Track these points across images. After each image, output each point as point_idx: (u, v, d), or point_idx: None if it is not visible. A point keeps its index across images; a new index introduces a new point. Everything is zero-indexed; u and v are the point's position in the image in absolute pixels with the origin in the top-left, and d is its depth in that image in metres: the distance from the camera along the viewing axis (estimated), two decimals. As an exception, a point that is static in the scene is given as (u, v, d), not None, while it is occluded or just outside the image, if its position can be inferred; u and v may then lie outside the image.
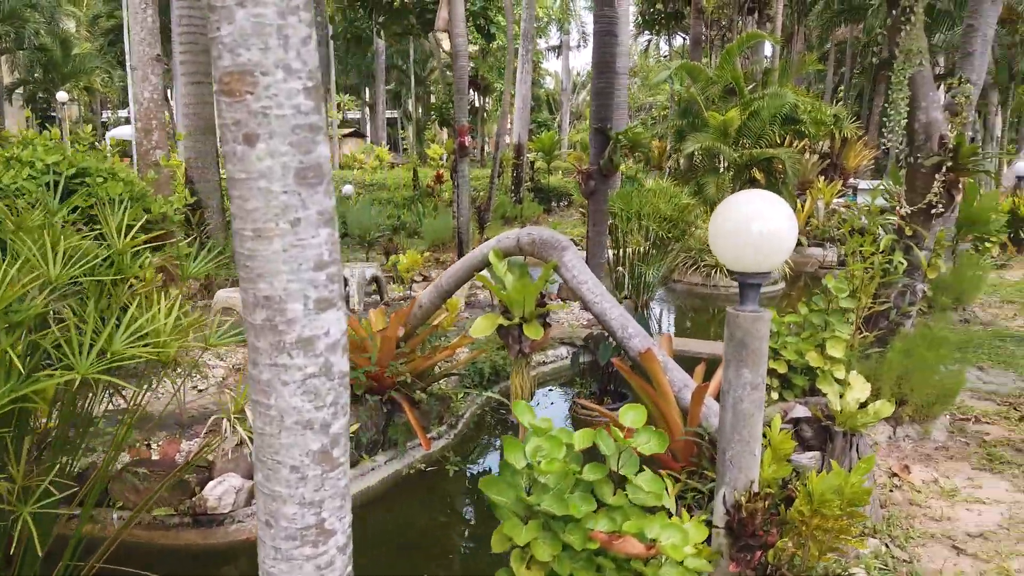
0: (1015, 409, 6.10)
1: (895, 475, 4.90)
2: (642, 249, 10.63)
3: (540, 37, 45.69)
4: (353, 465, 5.01)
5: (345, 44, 22.37)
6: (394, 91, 41.98)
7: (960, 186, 5.44)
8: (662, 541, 2.32)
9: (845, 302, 4.71)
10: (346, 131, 36.12)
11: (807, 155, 16.97)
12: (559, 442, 2.45)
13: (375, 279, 9.56)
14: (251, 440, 4.51)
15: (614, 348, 6.52)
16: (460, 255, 13.15)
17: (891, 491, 4.70)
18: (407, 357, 5.28)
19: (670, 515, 3.35)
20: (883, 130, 5.81)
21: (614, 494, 2.48)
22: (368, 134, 39.20)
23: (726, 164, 12.14)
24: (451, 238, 14.58)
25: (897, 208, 5.77)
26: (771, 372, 4.64)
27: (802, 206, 15.91)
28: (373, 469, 5.14)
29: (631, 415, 2.75)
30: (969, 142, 5.54)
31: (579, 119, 53.04)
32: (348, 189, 18.02)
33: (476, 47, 33.97)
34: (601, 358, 6.37)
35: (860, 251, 5.40)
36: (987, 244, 12.35)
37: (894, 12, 5.52)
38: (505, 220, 20.71)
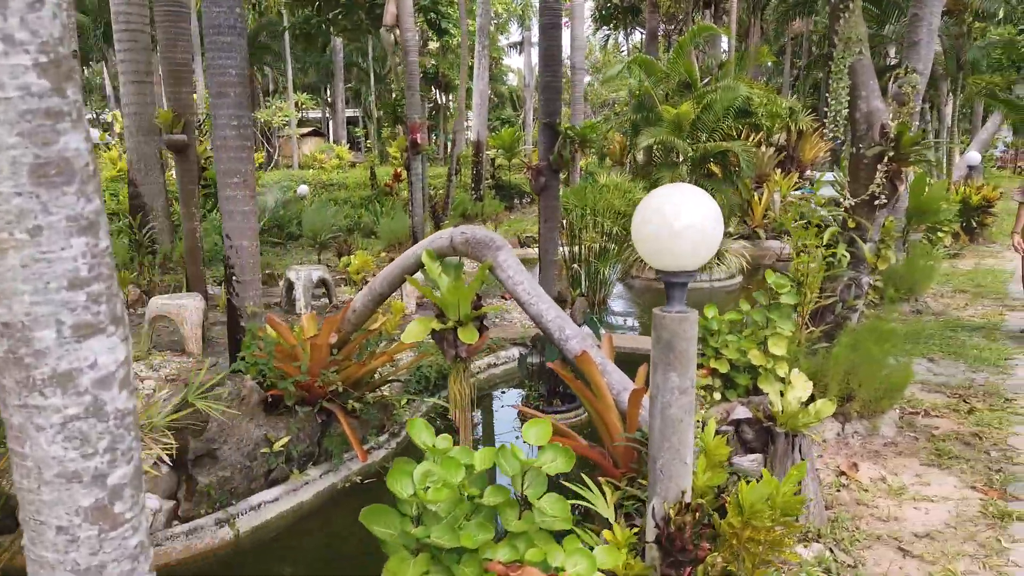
0: (964, 401, 6.05)
1: (843, 474, 4.80)
2: (597, 245, 10.51)
3: (501, 33, 45.56)
4: (283, 480, 4.78)
5: (295, 41, 21.92)
6: (355, 89, 41.44)
7: (903, 176, 5.36)
8: (568, 570, 2.14)
9: (786, 298, 4.59)
10: (305, 130, 35.57)
11: (763, 148, 16.98)
12: (456, 464, 2.26)
13: (323, 282, 9.30)
14: (169, 457, 4.26)
15: (551, 349, 6.37)
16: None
17: (838, 491, 4.59)
18: (340, 365, 5.05)
19: (609, 527, 3.19)
20: (826, 121, 5.72)
21: (520, 518, 2.29)
22: (329, 133, 38.67)
23: (681, 158, 12.04)
24: (407, 237, 14.32)
25: (842, 200, 5.67)
26: (713, 372, 4.50)
27: (759, 199, 15.93)
28: (307, 483, 4.91)
29: (534, 431, 2.56)
30: (920, 132, 5.45)
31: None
32: (303, 189, 17.67)
33: (437, 44, 33.69)
34: (548, 359, 6.20)
35: (804, 244, 5.29)
36: (939, 234, 12.43)
37: (832, 0, 5.42)
38: (465, 218, 20.48)
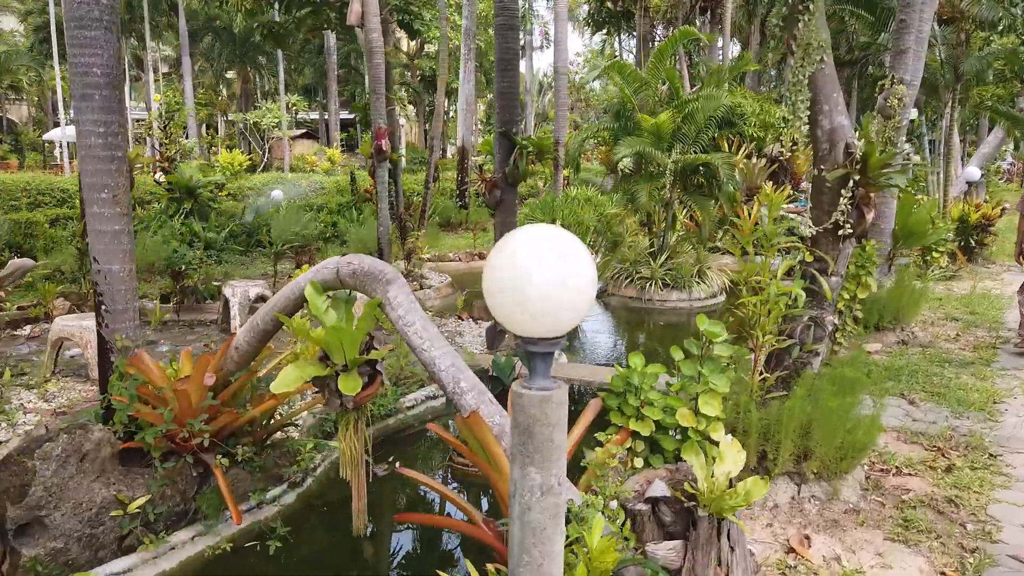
0: (943, 456, 5.36)
1: (791, 551, 4.12)
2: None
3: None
4: (132, 550, 4.11)
5: (264, 41, 21.31)
6: (350, 91, 40.88)
7: (871, 203, 4.68)
8: None
9: (721, 349, 3.90)
10: (297, 132, 34.98)
11: (754, 159, 16.30)
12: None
13: (261, 299, 8.65)
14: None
15: (506, 364, 5.71)
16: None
17: (783, 574, 3.91)
18: (214, 412, 4.39)
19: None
20: (780, 139, 5.06)
21: None
22: (325, 136, 38.09)
23: (661, 170, 11.37)
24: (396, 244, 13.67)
25: (802, 228, 5.00)
26: (635, 434, 3.82)
27: (749, 213, 15.21)
28: (173, 549, 4.24)
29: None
30: (889, 152, 4.77)
31: (545, 120, 52.28)
32: (277, 194, 17.04)
33: (434, 47, 33.08)
34: (502, 377, 5.55)
35: (756, 279, 4.62)
36: (934, 255, 11.73)
37: (790, 0, 4.75)
38: (447, 226, 19.85)
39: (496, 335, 5.94)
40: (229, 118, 36.52)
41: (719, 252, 15.52)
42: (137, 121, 32.82)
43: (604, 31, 23.31)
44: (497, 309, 2.35)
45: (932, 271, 12.09)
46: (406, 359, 6.72)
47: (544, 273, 2.25)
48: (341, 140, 33.87)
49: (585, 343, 10.11)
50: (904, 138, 8.20)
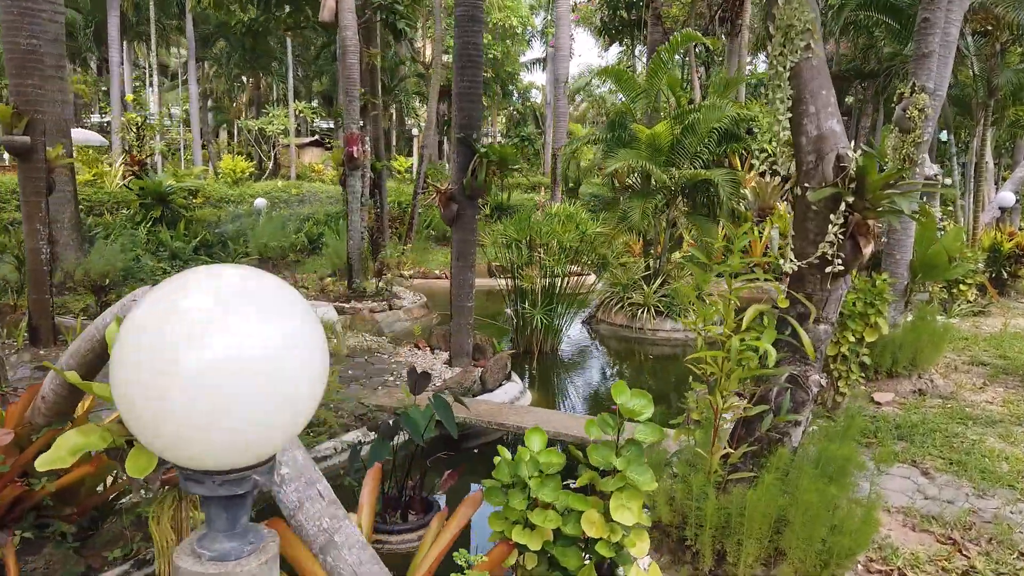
0: (960, 552, 4.24)
1: None
2: (537, 286, 8.80)
3: (522, 49, 44.02)
4: None
5: (243, 39, 20.54)
6: (367, 99, 40.23)
7: (870, 232, 3.61)
8: None
9: (644, 433, 2.84)
10: (305, 140, 34.35)
11: (767, 177, 15.12)
12: None
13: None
14: None
15: (419, 416, 4.69)
16: (350, 283, 11.32)
17: None
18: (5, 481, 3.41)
19: None
20: (756, 150, 4.02)
21: None
22: (333, 144, 37.40)
23: (657, 186, 10.32)
24: (367, 260, 12.74)
25: (781, 261, 3.93)
26: (522, 548, 2.78)
27: (760, 235, 14.10)
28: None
29: None
30: (894, 170, 3.70)
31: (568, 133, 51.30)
32: (260, 203, 16.22)
33: (449, 56, 32.34)
34: (417, 433, 4.52)
35: (713, 330, 3.58)
36: (961, 287, 10.54)
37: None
38: (443, 240, 18.87)
39: (419, 378, 4.93)
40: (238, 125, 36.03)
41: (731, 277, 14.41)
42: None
43: (618, 41, 22.28)
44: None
45: (958, 306, 10.88)
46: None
47: (215, 350, 1.24)
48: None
49: (562, 377, 9.04)
50: (925, 155, 7.09)
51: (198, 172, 27.36)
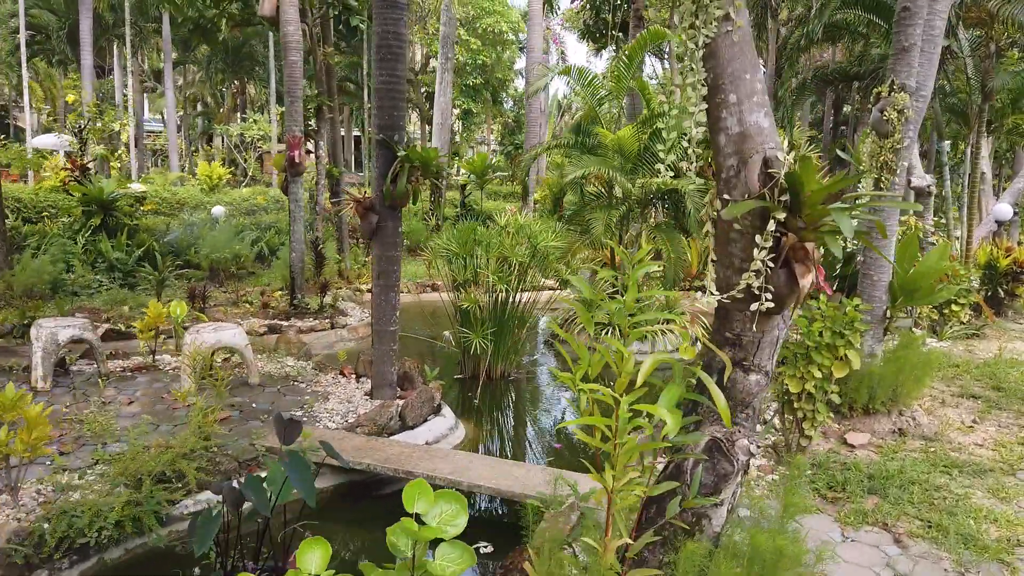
0: (932, 658, 3.38)
1: None
2: (482, 305, 7.96)
3: (513, 55, 43.29)
4: None
5: (190, 36, 19.69)
6: (355, 105, 39.52)
7: (809, 258, 2.78)
8: None
9: (450, 557, 1.99)
10: (282, 146, 33.45)
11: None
12: None
13: (78, 342, 6.86)
14: None
15: (266, 479, 3.84)
16: (292, 299, 10.49)
17: None
18: None
19: None
20: (660, 147, 3.24)
21: None
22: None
23: (621, 197, 9.49)
24: (311, 274, 11.93)
25: (699, 294, 3.10)
26: None
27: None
28: None
29: None
30: (839, 177, 2.87)
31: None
32: (218, 211, 15.39)
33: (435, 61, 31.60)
34: (264, 502, 3.66)
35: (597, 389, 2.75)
36: (953, 308, 9.70)
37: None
38: (415, 251, 18.04)
39: (288, 425, 4.10)
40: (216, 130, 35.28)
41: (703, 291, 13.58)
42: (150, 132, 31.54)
43: (598, 44, 21.48)
44: None
45: (950, 328, 10.03)
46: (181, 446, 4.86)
47: None
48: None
49: (507, 408, 8.18)
50: (916, 164, 6.26)
51: (173, 178, 26.58)
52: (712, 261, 3.09)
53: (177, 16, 15.99)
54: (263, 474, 3.93)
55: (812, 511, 4.90)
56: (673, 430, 2.58)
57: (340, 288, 11.74)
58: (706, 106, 2.88)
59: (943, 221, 12.19)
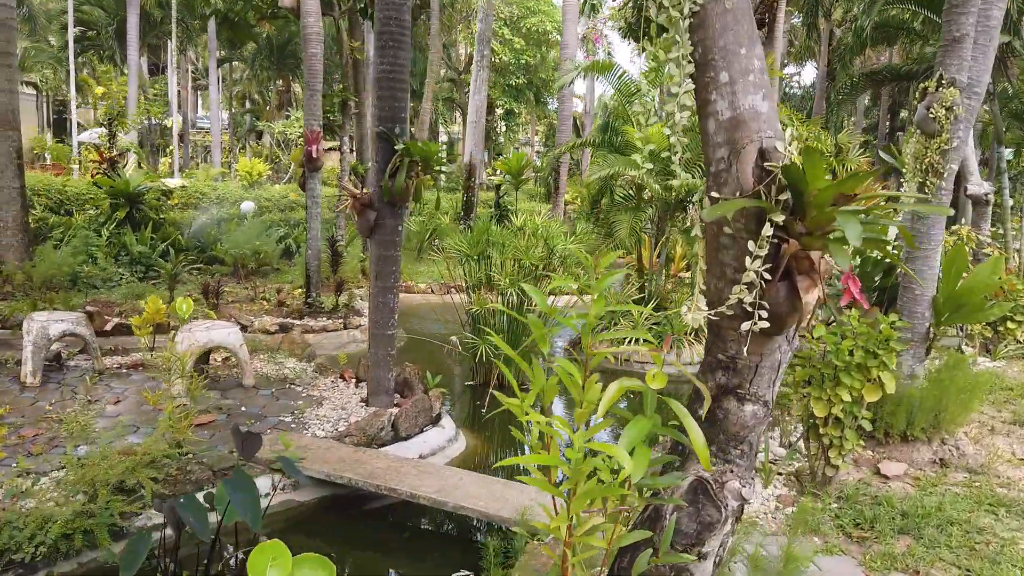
0: None
1: None
2: (492, 309, 7.56)
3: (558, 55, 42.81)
4: None
5: (220, 29, 19.63)
6: (341, 96, 39.37)
7: (815, 270, 2.30)
8: None
9: None
10: (326, 145, 33.56)
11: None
12: None
13: (71, 336, 6.65)
14: None
15: (215, 500, 3.49)
16: (307, 297, 10.23)
17: None
18: None
19: None
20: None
21: None
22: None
23: (650, 198, 8.98)
24: (329, 272, 11.69)
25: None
26: None
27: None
28: None
29: None
30: (860, 174, 2.39)
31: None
32: (247, 206, 15.29)
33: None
34: (204, 527, 3.31)
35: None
36: (1009, 325, 8.97)
37: None
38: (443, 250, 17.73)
39: (248, 438, 3.74)
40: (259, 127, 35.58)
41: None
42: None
43: (639, 42, 20.87)
44: None
45: (1004, 347, 9.28)
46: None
47: None
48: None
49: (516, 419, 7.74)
50: (973, 169, 5.66)
51: (215, 174, 26.79)
52: (701, 270, 2.63)
53: (204, 9, 15.92)
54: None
55: (834, 551, 4.37)
56: (637, 474, 2.14)
57: (361, 287, 11.45)
58: (692, 86, 2.42)
59: (1001, 232, 11.37)
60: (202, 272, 13.25)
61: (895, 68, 13.70)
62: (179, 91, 33.63)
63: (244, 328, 9.04)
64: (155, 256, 12.03)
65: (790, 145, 2.40)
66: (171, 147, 27.34)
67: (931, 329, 5.77)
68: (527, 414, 2.40)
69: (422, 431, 5.98)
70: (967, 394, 5.77)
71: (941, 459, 5.74)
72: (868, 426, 4.95)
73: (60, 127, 40.33)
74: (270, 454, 5.10)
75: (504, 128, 43.06)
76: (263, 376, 6.97)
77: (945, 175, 5.51)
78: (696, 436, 2.21)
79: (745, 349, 2.59)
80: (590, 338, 2.43)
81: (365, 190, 6.14)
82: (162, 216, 13.19)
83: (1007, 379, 8.22)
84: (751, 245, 2.33)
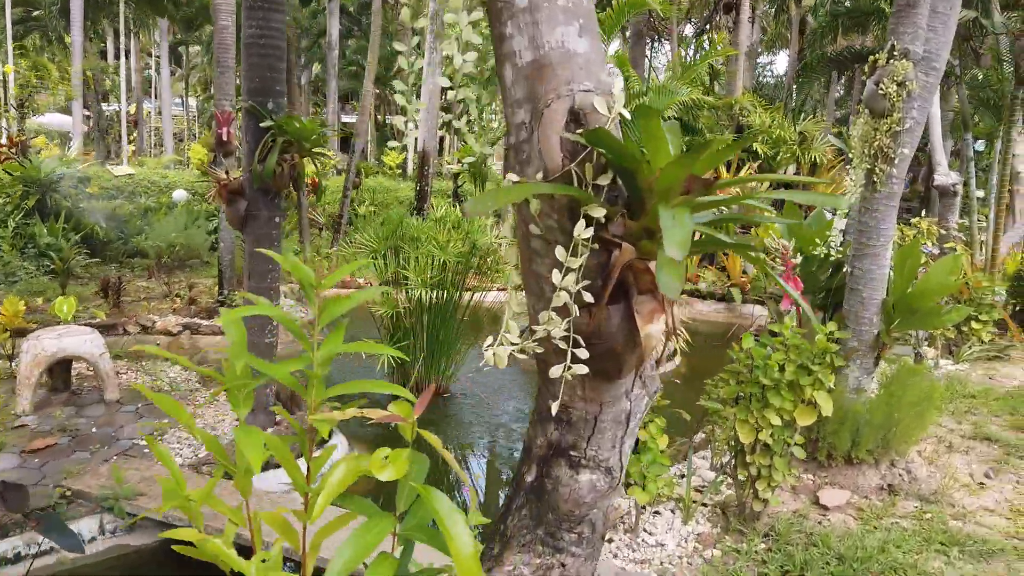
0: None
1: None
2: (400, 310, 6.79)
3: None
4: None
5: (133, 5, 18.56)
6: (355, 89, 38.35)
7: (656, 289, 1.54)
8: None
9: None
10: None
11: (753, 183, 12.99)
12: None
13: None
14: None
15: None
16: (220, 294, 9.40)
17: None
18: None
19: None
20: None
21: None
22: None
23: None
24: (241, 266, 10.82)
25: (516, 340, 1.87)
26: None
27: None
28: None
29: None
30: (702, 145, 1.62)
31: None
32: (179, 195, 14.36)
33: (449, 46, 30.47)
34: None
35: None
36: (974, 325, 8.34)
37: None
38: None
39: (6, 491, 2.96)
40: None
41: (698, 297, 12.32)
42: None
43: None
44: None
45: (969, 348, 8.66)
46: None
47: None
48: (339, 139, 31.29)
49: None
50: (906, 150, 4.95)
51: (166, 161, 25.74)
52: (514, 286, 1.87)
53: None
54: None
55: (755, 608, 3.67)
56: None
57: (287, 283, 10.63)
58: (479, 15, 1.65)
59: (968, 224, 10.75)
60: (123, 266, 12.36)
61: (857, 50, 13.02)
62: (138, 76, 32.39)
63: (145, 329, 8.20)
64: (67, 249, 11.11)
65: (626, 106, 1.64)
66: (124, 133, 26.17)
67: (880, 338, 5.07)
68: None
69: (300, 455, 5.18)
70: (921, 408, 5.09)
71: (890, 485, 5.06)
72: (801, 453, 4.23)
73: None
74: (101, 490, 4.30)
75: (478, 116, 42.16)
76: (135, 389, 6.15)
77: (897, 161, 4.80)
78: (460, 547, 1.45)
79: (578, 396, 1.85)
80: (318, 392, 1.65)
81: (236, 175, 5.34)
82: (81, 206, 12.23)
83: (970, 384, 7.59)
84: (559, 252, 1.58)
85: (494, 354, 1.74)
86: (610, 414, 1.86)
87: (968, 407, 6.92)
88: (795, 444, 4.24)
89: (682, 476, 4.98)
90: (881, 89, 4.68)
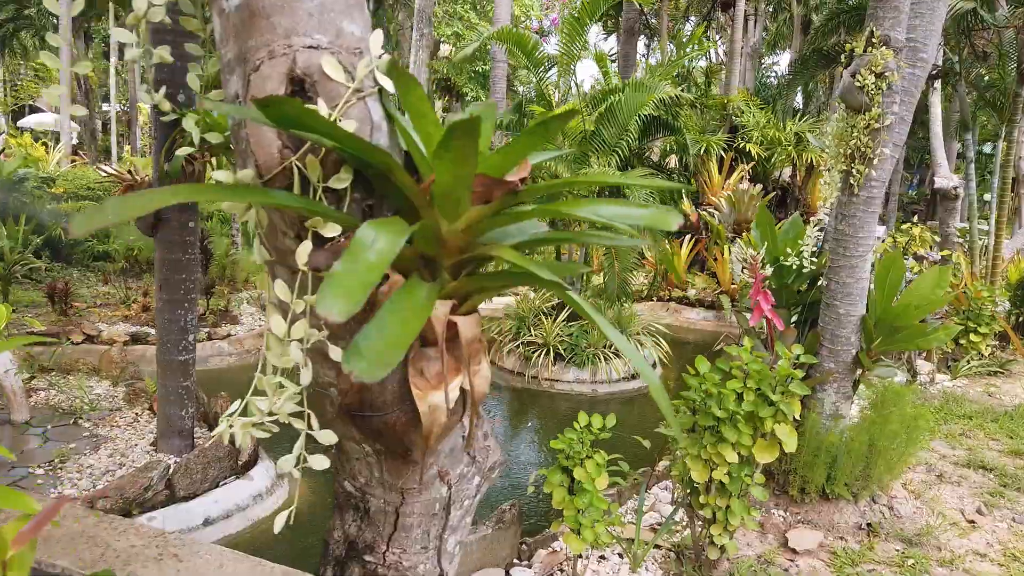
0: None
1: None
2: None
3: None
4: None
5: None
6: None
7: (460, 344, 1.04)
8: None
9: None
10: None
11: (745, 185, 12.47)
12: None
13: None
14: None
15: None
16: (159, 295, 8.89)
17: None
18: None
19: None
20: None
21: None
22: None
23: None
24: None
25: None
26: None
27: (726, 255, 11.43)
28: None
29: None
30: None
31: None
32: (152, 196, 13.88)
33: (452, 48, 30.07)
34: None
35: None
36: (972, 338, 7.81)
37: None
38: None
39: None
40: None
41: (687, 304, 11.79)
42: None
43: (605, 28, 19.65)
44: None
45: (967, 362, 8.10)
46: None
47: None
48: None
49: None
50: (941, 161, 4.39)
51: (138, 162, 25.31)
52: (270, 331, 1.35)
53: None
54: None
55: None
56: None
57: (244, 290, 10.17)
58: None
59: (968, 230, 10.18)
60: (88, 270, 11.91)
61: (848, 45, 12.45)
62: (131, 74, 31.97)
63: (90, 339, 7.72)
64: (28, 251, 10.65)
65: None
66: (113, 132, 25.73)
67: (858, 359, 4.54)
68: None
69: (216, 486, 4.69)
70: (903, 442, 4.55)
71: (869, 523, 4.52)
72: (762, 494, 3.70)
73: None
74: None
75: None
76: (49, 407, 5.65)
77: (876, 161, 4.28)
78: None
79: (375, 479, 1.33)
80: None
81: (147, 174, 4.85)
82: (48, 207, 11.78)
83: (967, 403, 7.05)
84: (280, 289, 1.07)
85: (229, 428, 1.22)
86: (417, 505, 1.35)
87: (963, 429, 6.38)
88: (755, 484, 3.71)
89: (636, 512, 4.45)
90: (858, 81, 4.16)
